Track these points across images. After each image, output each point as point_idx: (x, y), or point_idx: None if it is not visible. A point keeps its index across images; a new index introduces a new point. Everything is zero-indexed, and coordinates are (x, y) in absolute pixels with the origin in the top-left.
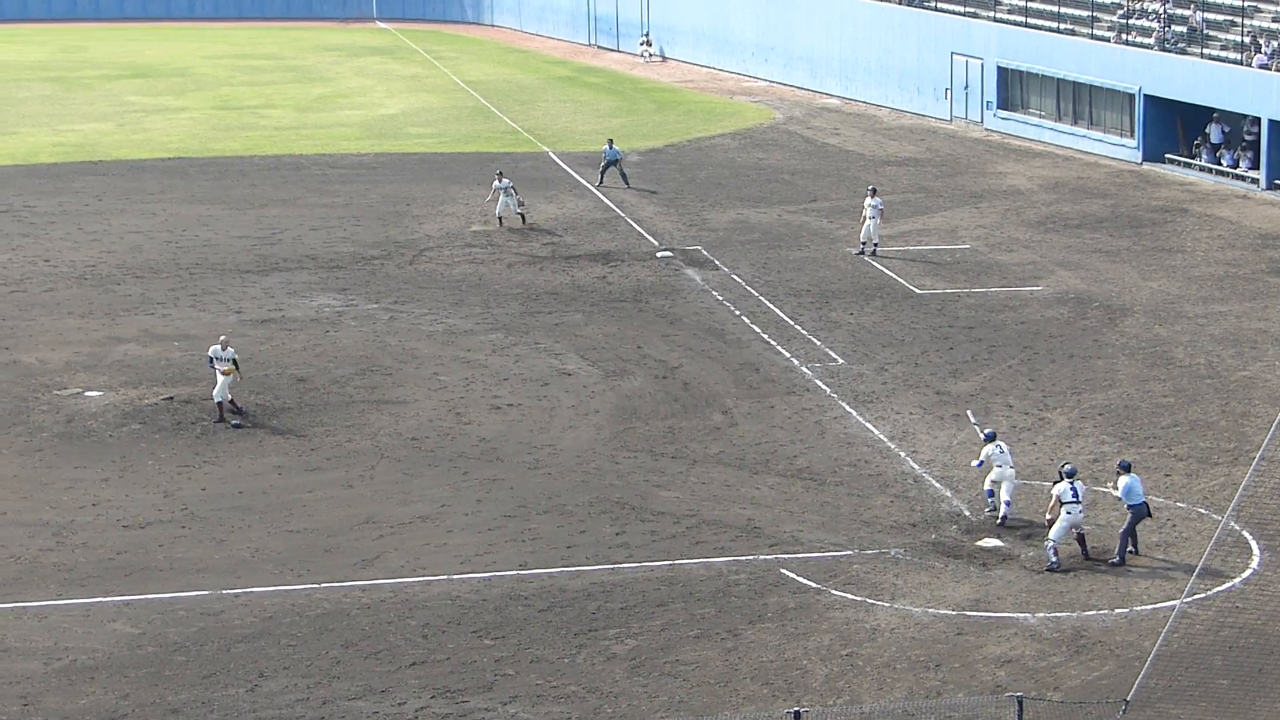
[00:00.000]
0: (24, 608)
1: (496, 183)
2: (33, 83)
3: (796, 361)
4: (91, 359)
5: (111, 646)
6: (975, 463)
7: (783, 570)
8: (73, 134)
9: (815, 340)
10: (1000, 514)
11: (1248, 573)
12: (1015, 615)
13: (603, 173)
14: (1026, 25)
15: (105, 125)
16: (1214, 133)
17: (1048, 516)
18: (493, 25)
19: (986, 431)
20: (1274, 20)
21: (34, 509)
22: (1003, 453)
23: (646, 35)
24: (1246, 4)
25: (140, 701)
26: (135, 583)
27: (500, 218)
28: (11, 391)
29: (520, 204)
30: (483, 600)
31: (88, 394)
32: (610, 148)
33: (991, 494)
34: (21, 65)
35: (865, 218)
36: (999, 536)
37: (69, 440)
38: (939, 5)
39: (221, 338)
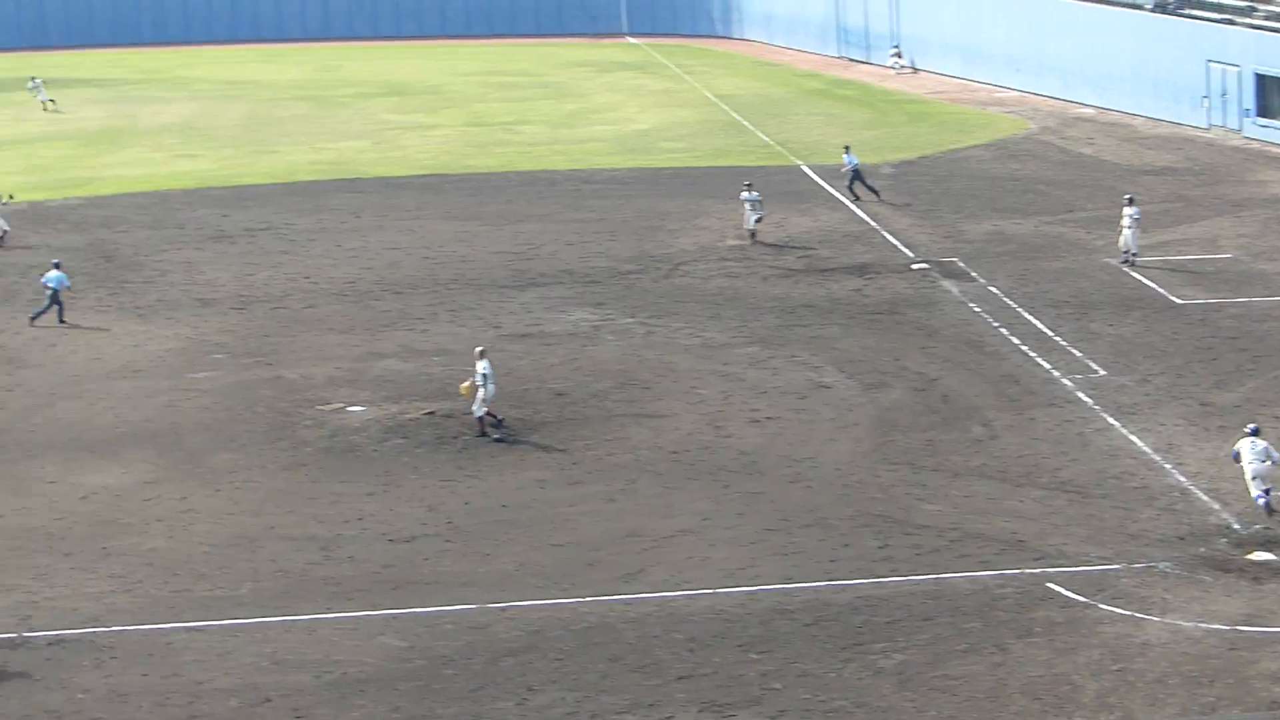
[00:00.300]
0: (294, 621)
1: (745, 194)
2: (290, 102)
3: (1057, 373)
4: (353, 374)
5: (380, 659)
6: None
7: (1049, 584)
8: (330, 152)
9: (1075, 351)
10: (1263, 501)
11: None
12: None
13: (851, 185)
14: None
15: (361, 143)
16: None
17: None
18: (742, 39)
19: (1251, 426)
20: None
21: (301, 523)
22: (1255, 448)
23: (897, 47)
24: None
25: (410, 714)
26: (402, 596)
27: (751, 231)
28: (276, 407)
29: (758, 220)
30: (747, 614)
31: (350, 409)
32: (848, 154)
33: (1266, 505)
34: (279, 85)
35: (1123, 227)
36: (1271, 550)
37: (333, 455)
38: (1194, 13)
39: (478, 349)
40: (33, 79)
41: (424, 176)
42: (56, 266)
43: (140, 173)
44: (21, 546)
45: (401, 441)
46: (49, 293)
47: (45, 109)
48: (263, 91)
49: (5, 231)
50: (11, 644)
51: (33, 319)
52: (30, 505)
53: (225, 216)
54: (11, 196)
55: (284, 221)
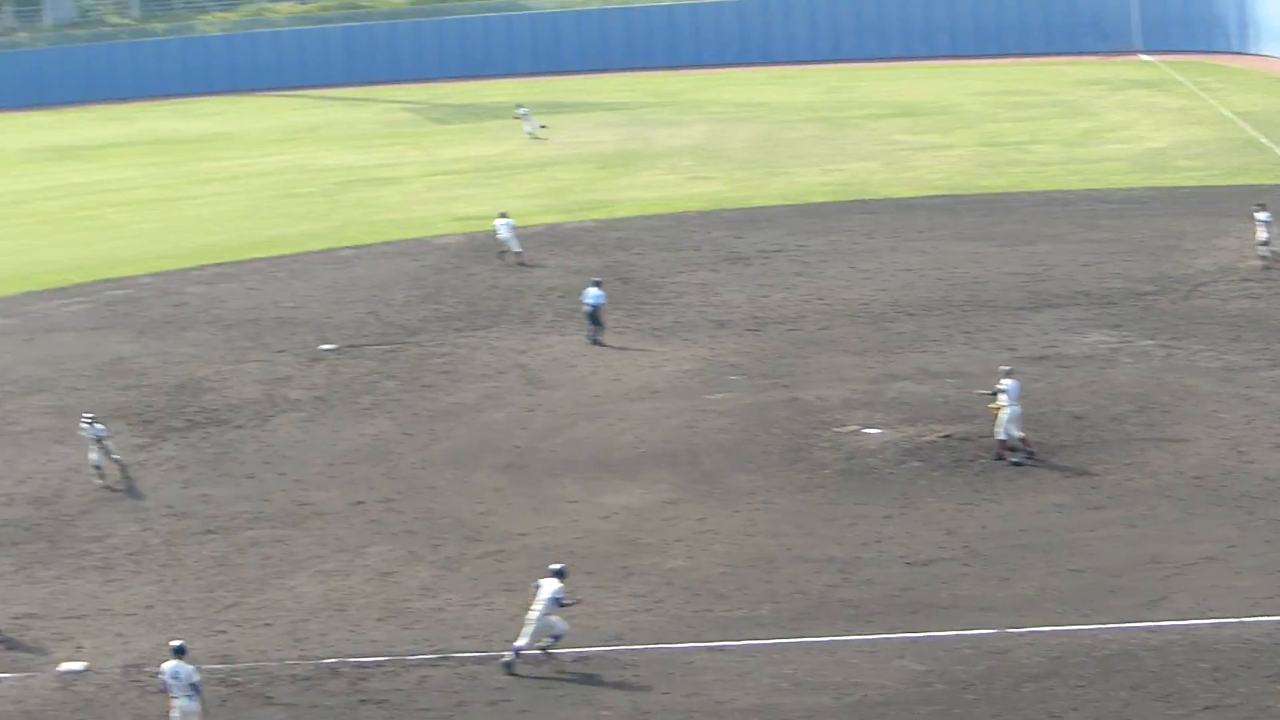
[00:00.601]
0: (813, 643)
1: (1257, 213)
2: (801, 123)
3: None
4: (868, 396)
5: (900, 683)
6: None
7: None
8: (840, 173)
9: None
10: None
11: None
12: None
13: None
14: None
15: (872, 164)
16: None
17: None
18: (1259, 54)
19: None
20: None
21: (818, 545)
22: None
23: None
24: None
25: None
26: (920, 619)
27: (1263, 255)
28: (791, 429)
29: (1264, 243)
30: (1276, 644)
31: (866, 431)
32: None
33: None
34: (790, 106)
35: None
36: None
37: (850, 477)
38: None
39: (1003, 367)
40: (520, 106)
41: (936, 197)
42: (596, 285)
43: (655, 195)
44: (544, 565)
45: (918, 464)
46: (587, 310)
47: (534, 137)
48: (774, 113)
49: (519, 253)
50: (537, 660)
51: (593, 342)
52: (553, 524)
53: (739, 238)
54: (504, 214)
55: (797, 243)
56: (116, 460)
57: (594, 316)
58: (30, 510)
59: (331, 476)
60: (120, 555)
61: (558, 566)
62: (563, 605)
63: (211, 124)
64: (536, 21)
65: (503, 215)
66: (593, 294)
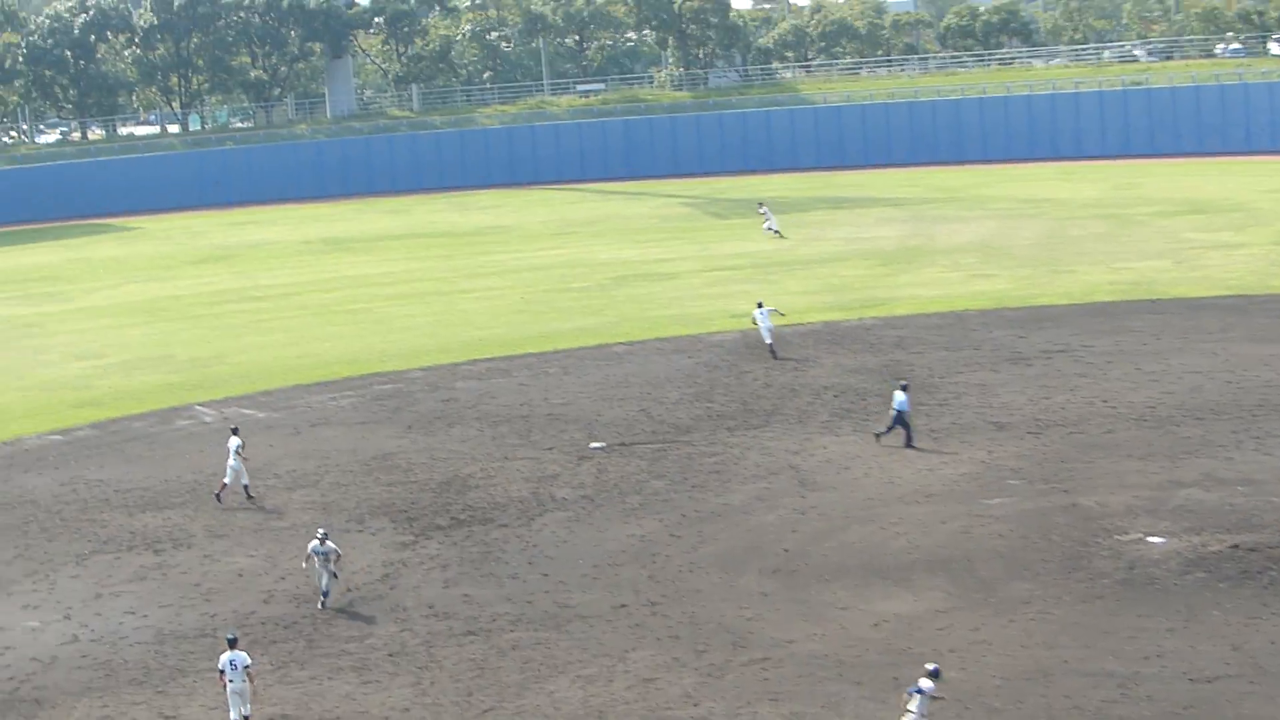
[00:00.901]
0: None
1: None
2: (1087, 220)
3: None
4: (1152, 503)
5: None
6: None
7: None
8: (1128, 271)
9: None
10: None
11: None
12: None
13: None
14: None
15: (1161, 262)
16: None
17: None
18: None
19: None
20: None
21: (1096, 658)
22: None
23: None
24: None
25: None
26: None
27: None
28: (1071, 535)
29: None
30: None
31: (1149, 539)
32: None
33: None
34: (1076, 203)
35: None
36: None
37: (1131, 587)
38: None
39: None
40: (760, 204)
41: (1227, 297)
42: (904, 389)
43: (936, 293)
44: (811, 674)
45: (1203, 575)
46: (893, 414)
47: (770, 238)
48: (1060, 209)
49: (771, 344)
50: None
51: (878, 438)
52: (822, 631)
53: (1021, 338)
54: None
55: (1081, 343)
56: (331, 581)
57: (900, 419)
58: (289, 608)
59: (595, 578)
60: (378, 656)
61: (932, 667)
62: (934, 699)
63: (488, 217)
64: (820, 115)
65: (760, 305)
66: (899, 398)
